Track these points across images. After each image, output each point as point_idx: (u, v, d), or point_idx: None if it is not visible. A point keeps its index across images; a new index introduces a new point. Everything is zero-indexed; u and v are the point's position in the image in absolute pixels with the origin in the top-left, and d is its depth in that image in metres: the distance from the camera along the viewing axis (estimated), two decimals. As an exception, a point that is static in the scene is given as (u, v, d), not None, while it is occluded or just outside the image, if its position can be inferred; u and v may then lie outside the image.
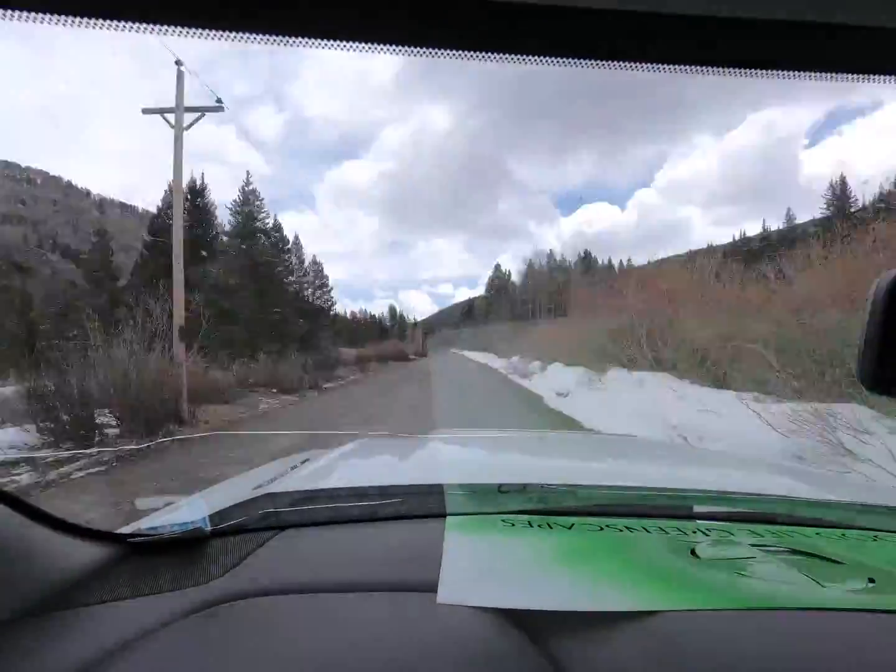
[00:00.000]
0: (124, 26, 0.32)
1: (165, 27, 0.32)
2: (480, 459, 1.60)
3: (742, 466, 1.57)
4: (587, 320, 17.12)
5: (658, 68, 0.37)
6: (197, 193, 22.00)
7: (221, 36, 0.33)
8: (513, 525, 0.76)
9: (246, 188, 24.18)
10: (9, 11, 0.30)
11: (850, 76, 0.38)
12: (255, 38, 0.33)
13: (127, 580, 0.63)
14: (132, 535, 0.72)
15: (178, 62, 8.73)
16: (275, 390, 13.70)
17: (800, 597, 0.54)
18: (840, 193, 50.16)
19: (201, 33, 0.33)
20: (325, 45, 0.34)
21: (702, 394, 7.93)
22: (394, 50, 0.34)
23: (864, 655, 0.47)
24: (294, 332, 22.28)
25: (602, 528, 0.74)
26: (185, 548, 0.70)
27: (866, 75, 0.39)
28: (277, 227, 25.48)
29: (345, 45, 0.34)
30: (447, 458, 1.62)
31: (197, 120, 9.27)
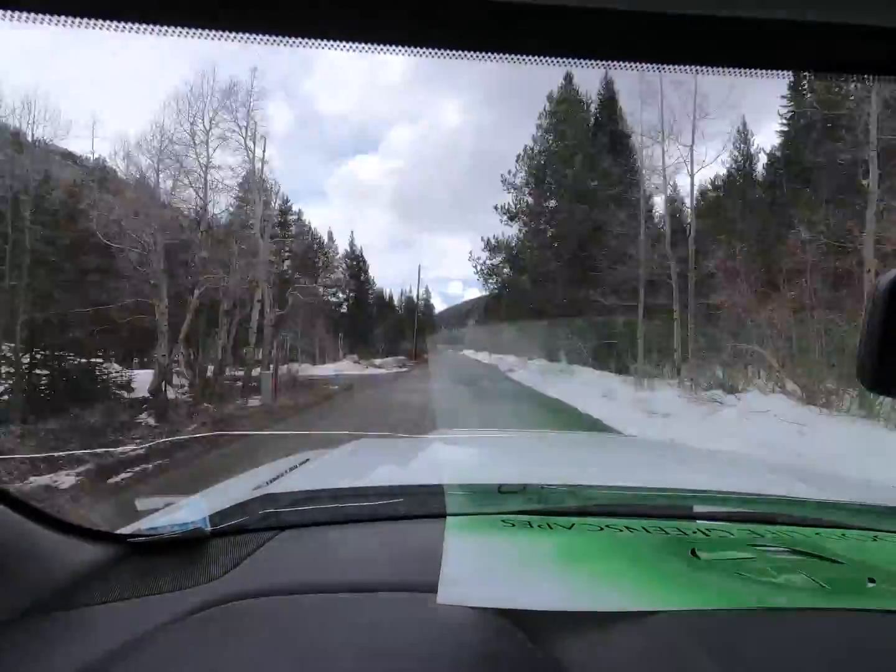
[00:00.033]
0: (124, 26, 0.32)
1: (165, 27, 0.32)
2: (480, 460, 1.60)
3: (742, 466, 1.57)
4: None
5: (658, 68, 0.37)
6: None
7: (221, 36, 0.33)
8: (513, 525, 0.76)
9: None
10: (9, 11, 0.30)
11: (849, 76, 0.38)
12: (255, 38, 0.33)
13: (127, 580, 0.63)
14: (132, 536, 0.72)
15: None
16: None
17: (800, 597, 0.54)
18: None
19: (201, 33, 0.33)
20: (326, 45, 0.34)
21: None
22: (394, 50, 0.34)
23: (865, 655, 0.47)
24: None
25: (602, 529, 0.74)
26: (185, 548, 0.70)
27: (866, 75, 0.39)
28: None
29: (345, 45, 0.34)
30: (447, 459, 1.61)
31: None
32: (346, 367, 24.69)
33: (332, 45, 0.34)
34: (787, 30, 0.33)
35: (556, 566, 0.63)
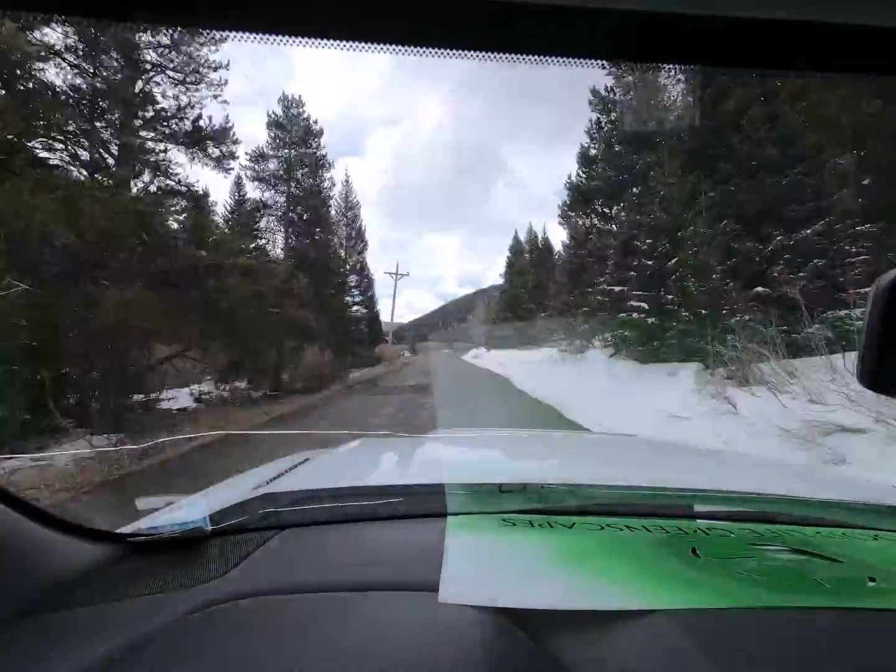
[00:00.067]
0: (123, 26, 0.32)
1: (165, 27, 0.32)
2: (481, 459, 1.60)
3: (742, 466, 1.57)
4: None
5: (658, 68, 0.37)
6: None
7: (221, 36, 0.33)
8: (513, 525, 0.76)
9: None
10: (9, 11, 0.30)
11: (850, 76, 0.38)
12: (254, 38, 0.33)
13: (127, 580, 0.63)
14: (132, 535, 0.72)
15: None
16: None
17: (800, 596, 0.54)
18: None
19: (201, 33, 0.33)
20: (326, 44, 0.34)
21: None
22: (394, 50, 0.34)
23: (865, 654, 0.47)
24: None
25: (602, 528, 0.74)
26: (185, 547, 0.70)
27: (866, 75, 0.39)
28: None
29: (345, 45, 0.34)
30: (447, 458, 1.61)
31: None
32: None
33: (332, 45, 0.34)
34: (787, 30, 0.34)
35: (557, 565, 0.63)
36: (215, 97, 9.77)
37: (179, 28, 0.43)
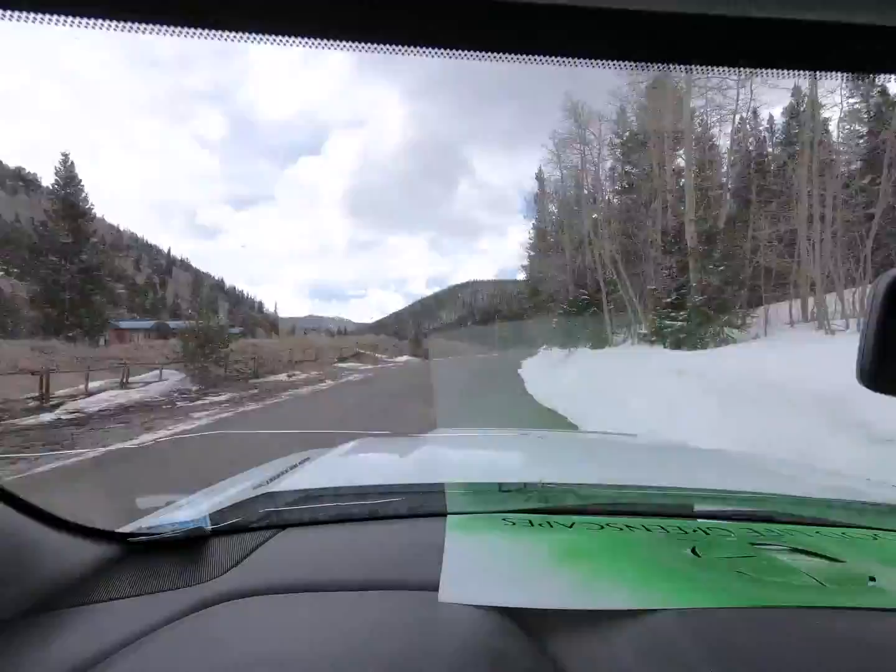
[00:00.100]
0: (123, 26, 0.32)
1: (165, 27, 0.32)
2: (481, 459, 1.60)
3: (742, 465, 1.57)
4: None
5: (658, 68, 0.37)
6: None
7: (221, 36, 0.33)
8: (513, 524, 0.76)
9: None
10: (9, 11, 0.30)
11: (849, 75, 0.38)
12: (254, 38, 0.33)
13: (127, 579, 0.63)
14: (133, 534, 0.72)
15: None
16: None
17: (800, 595, 0.54)
18: None
19: (201, 33, 0.33)
20: (325, 44, 0.34)
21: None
22: (394, 50, 0.34)
23: (865, 654, 0.47)
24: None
25: (602, 527, 0.74)
26: (185, 547, 0.70)
27: (866, 74, 0.39)
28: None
29: (345, 45, 0.34)
30: (447, 458, 1.61)
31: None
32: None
33: (332, 45, 0.34)
34: (787, 30, 0.33)
35: (557, 564, 0.63)
36: None
37: (180, 29, 0.43)
